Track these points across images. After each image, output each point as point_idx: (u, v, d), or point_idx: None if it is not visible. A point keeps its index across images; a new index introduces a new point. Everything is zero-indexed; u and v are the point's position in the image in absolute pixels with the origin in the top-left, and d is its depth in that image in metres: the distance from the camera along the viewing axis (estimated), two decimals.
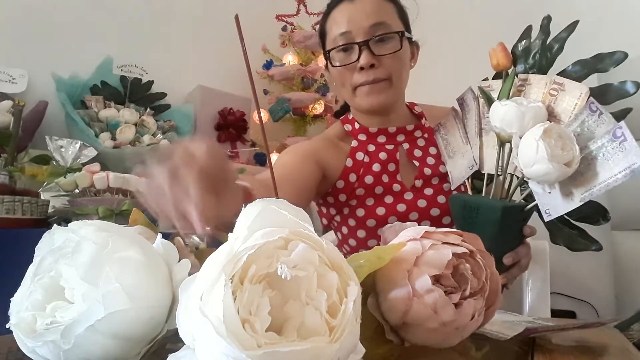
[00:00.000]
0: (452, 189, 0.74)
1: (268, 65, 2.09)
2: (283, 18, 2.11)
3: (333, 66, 0.84)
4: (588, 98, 0.58)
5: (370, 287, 0.32)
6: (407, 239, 0.33)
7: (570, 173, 0.54)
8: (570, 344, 0.41)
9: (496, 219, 0.62)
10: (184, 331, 0.23)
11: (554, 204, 0.58)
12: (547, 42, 0.66)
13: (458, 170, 0.73)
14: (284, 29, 2.10)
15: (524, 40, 0.68)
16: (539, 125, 0.55)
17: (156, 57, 1.88)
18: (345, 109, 0.99)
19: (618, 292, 1.61)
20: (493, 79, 0.71)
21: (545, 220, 0.60)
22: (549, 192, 0.57)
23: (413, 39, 0.88)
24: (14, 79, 1.48)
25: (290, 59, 2.10)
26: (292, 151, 0.89)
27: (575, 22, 0.64)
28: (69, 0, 1.75)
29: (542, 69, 0.65)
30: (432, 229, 0.34)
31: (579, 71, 0.62)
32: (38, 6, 1.67)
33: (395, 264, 0.30)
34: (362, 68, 0.80)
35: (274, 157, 1.97)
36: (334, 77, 0.87)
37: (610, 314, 1.65)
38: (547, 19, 0.66)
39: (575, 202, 0.56)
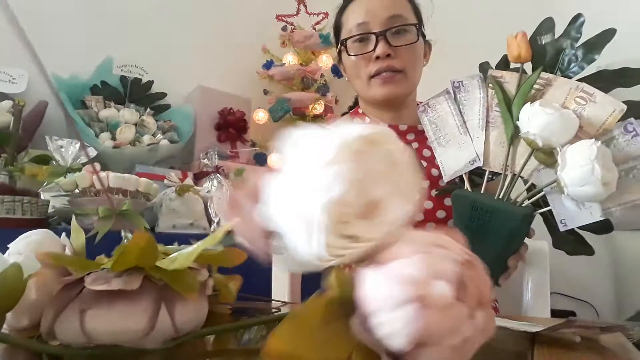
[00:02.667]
0: (445, 181, 0.70)
1: (268, 65, 2.09)
2: (283, 18, 2.10)
3: (349, 55, 0.84)
4: (627, 119, 0.55)
5: (350, 308, 0.27)
6: (411, 250, 0.28)
7: (609, 193, 0.52)
8: (570, 343, 0.41)
9: (515, 225, 0.60)
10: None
11: (571, 215, 0.57)
12: (577, 45, 0.61)
13: (454, 161, 0.68)
14: (284, 29, 2.09)
15: (547, 35, 0.63)
16: (589, 142, 0.51)
17: (156, 57, 1.87)
18: (357, 104, 0.98)
19: (618, 292, 1.61)
20: (496, 67, 0.67)
21: (561, 230, 0.59)
22: (581, 209, 0.56)
23: (426, 38, 0.89)
24: (14, 79, 1.48)
25: (290, 59, 2.09)
26: None
27: (612, 31, 0.59)
28: (69, 1, 1.76)
29: (566, 74, 0.61)
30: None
31: (600, 82, 0.58)
32: (38, 6, 1.68)
33: (396, 277, 0.26)
34: (377, 57, 0.81)
35: (274, 156, 1.97)
36: (348, 68, 0.87)
37: (610, 314, 1.65)
38: (582, 19, 0.61)
39: (595, 216, 0.55)
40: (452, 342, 0.26)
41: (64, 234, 0.38)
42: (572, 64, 0.61)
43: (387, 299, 0.26)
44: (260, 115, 2.11)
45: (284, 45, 2.10)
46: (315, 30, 2.08)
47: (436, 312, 0.25)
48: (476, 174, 0.69)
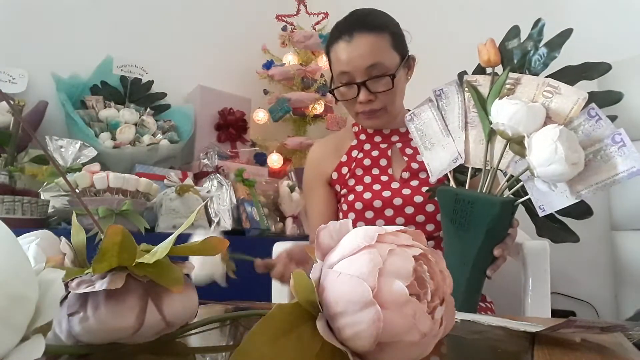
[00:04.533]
0: (432, 181, 0.76)
1: (268, 65, 2.09)
2: (283, 18, 2.10)
3: (337, 100, 0.98)
4: (586, 104, 0.60)
5: (315, 309, 0.28)
6: (360, 246, 0.28)
7: (577, 173, 0.57)
8: (570, 343, 0.41)
9: (495, 213, 0.64)
10: None
11: (549, 200, 0.62)
12: (540, 45, 0.67)
13: (438, 162, 0.74)
14: (284, 29, 2.09)
15: (514, 40, 0.70)
16: (552, 126, 0.57)
17: (156, 57, 1.87)
18: None
19: (618, 292, 1.61)
20: (473, 74, 0.72)
21: (540, 215, 0.63)
22: (553, 190, 0.60)
23: (409, 55, 0.97)
24: (14, 79, 1.48)
25: (290, 59, 2.09)
26: (309, 190, 1.07)
27: (569, 30, 0.66)
28: (69, 0, 1.76)
29: (534, 72, 0.67)
30: (384, 229, 0.30)
31: (566, 77, 0.64)
32: (38, 6, 1.68)
33: (353, 280, 0.27)
34: (360, 102, 0.93)
35: (273, 157, 1.97)
36: (341, 101, 1.00)
37: (610, 314, 1.65)
38: (542, 23, 0.68)
39: (571, 199, 0.59)
40: (412, 339, 0.26)
41: (63, 238, 0.37)
42: (537, 63, 0.67)
43: (347, 303, 0.27)
44: (260, 115, 2.11)
45: (284, 45, 2.10)
46: (315, 30, 2.08)
47: (394, 311, 0.26)
48: (460, 172, 0.73)
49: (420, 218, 0.92)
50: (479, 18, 2.00)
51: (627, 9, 1.74)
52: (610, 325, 0.43)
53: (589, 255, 1.69)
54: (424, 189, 0.92)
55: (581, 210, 0.63)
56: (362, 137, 1.05)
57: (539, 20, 0.68)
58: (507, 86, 0.66)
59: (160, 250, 0.33)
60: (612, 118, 0.59)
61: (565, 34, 0.66)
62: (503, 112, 0.61)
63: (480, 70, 0.72)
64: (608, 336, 0.44)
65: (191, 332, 0.39)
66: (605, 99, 0.62)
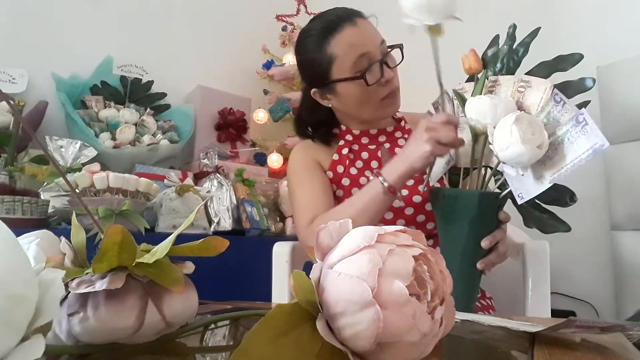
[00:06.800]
0: (431, 185, 0.80)
1: (268, 65, 2.09)
2: (283, 18, 2.10)
3: (369, 85, 0.87)
4: (552, 91, 0.64)
5: (315, 309, 0.28)
6: (360, 247, 0.28)
7: (541, 155, 0.61)
8: (570, 343, 0.41)
9: (474, 204, 0.68)
10: None
11: (526, 188, 0.64)
12: (514, 47, 0.73)
13: (436, 167, 0.78)
14: (284, 29, 2.10)
15: (493, 47, 0.75)
16: (511, 114, 0.62)
17: (156, 57, 1.88)
18: (302, 124, 1.05)
19: (618, 292, 1.61)
20: (465, 82, 0.78)
21: (519, 203, 0.65)
22: (522, 175, 0.64)
23: None
24: (14, 79, 1.48)
25: (290, 59, 2.09)
26: (298, 174, 0.98)
27: (537, 29, 0.71)
28: (69, 1, 1.76)
29: (510, 71, 0.72)
30: (384, 229, 0.29)
31: (542, 71, 0.68)
32: (38, 6, 1.68)
33: (353, 280, 0.26)
34: (387, 81, 0.88)
35: (273, 157, 1.97)
36: (352, 97, 0.90)
37: (610, 314, 1.65)
38: (513, 27, 0.74)
39: (545, 184, 0.62)
40: (412, 339, 0.26)
41: (63, 238, 0.37)
42: (513, 63, 0.73)
43: (347, 303, 0.27)
44: (260, 115, 2.11)
45: (284, 45, 2.10)
46: None
47: (394, 311, 0.26)
48: (456, 175, 0.78)
49: (420, 218, 0.91)
50: (481, 21, 2.00)
51: (626, 9, 1.74)
52: (610, 325, 0.43)
53: (589, 255, 1.69)
54: (421, 187, 0.90)
55: (566, 196, 0.66)
56: (349, 137, 1.00)
57: (510, 26, 0.74)
58: (489, 88, 0.71)
59: (160, 250, 0.33)
60: (584, 104, 0.62)
61: (533, 34, 0.72)
62: (472, 108, 0.67)
63: (471, 79, 0.77)
64: (608, 336, 0.44)
65: (191, 332, 0.39)
66: (578, 87, 0.66)
